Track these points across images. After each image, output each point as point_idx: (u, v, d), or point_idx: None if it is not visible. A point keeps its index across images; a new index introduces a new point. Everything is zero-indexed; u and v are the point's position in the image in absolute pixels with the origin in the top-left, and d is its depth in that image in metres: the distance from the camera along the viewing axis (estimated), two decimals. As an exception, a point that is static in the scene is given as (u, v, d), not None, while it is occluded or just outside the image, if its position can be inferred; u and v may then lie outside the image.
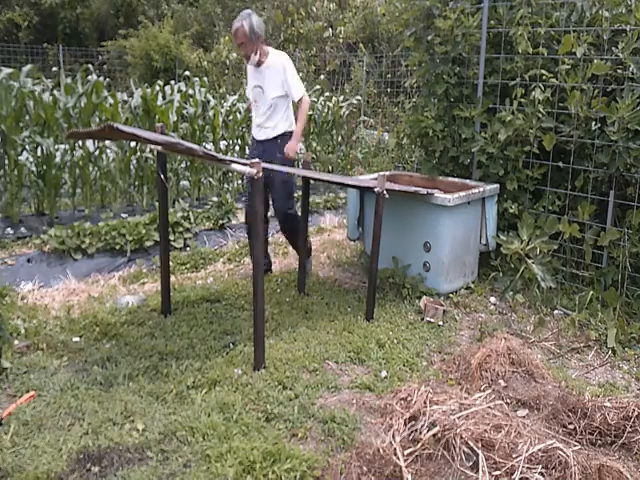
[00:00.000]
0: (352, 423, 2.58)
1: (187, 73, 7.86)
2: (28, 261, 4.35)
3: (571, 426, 2.56)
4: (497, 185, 4.36)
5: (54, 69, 6.94)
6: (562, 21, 4.20)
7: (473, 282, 4.31)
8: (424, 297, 3.87)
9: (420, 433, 2.34)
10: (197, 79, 6.91)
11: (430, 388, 2.66)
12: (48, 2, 17.42)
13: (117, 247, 4.64)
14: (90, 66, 5.99)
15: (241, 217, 5.98)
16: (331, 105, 8.31)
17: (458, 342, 3.52)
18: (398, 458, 2.23)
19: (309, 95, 8.34)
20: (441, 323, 3.68)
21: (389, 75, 10.27)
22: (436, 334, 3.58)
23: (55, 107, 5.38)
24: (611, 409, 2.55)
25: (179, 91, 6.44)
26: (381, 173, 3.93)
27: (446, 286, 4.08)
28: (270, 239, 5.39)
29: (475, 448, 2.25)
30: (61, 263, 4.38)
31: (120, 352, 3.17)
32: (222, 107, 7.02)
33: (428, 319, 3.69)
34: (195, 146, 2.98)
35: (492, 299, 4.14)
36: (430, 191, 4.01)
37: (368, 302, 3.72)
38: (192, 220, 5.14)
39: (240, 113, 7.16)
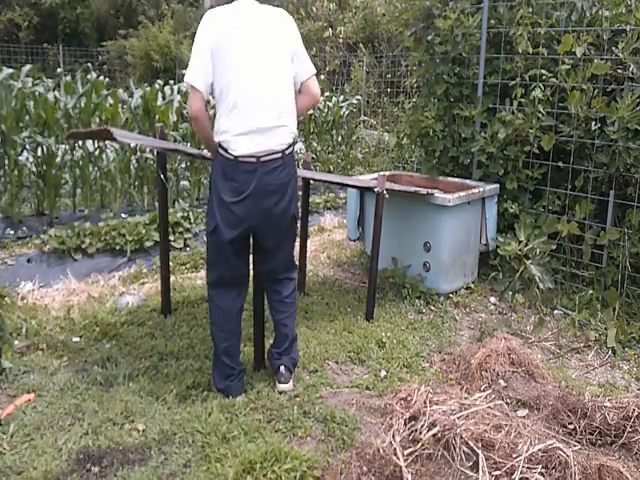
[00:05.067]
0: (352, 423, 2.58)
1: (184, 72, 7.83)
2: (28, 261, 4.35)
3: (571, 426, 2.56)
4: (497, 185, 4.36)
5: (59, 70, 6.93)
6: (562, 21, 4.20)
7: (473, 282, 4.31)
8: None
9: (420, 433, 2.34)
10: None
11: (430, 388, 2.66)
12: (48, 2, 17.41)
13: (117, 247, 4.63)
14: (90, 65, 5.99)
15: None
16: (331, 105, 8.31)
17: (458, 342, 3.52)
18: (398, 458, 2.23)
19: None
20: None
21: (389, 75, 10.27)
22: (436, 334, 3.59)
23: (55, 107, 5.38)
24: (611, 409, 2.55)
25: (179, 91, 6.44)
26: (381, 173, 3.93)
27: (446, 286, 4.08)
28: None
29: (475, 448, 2.25)
30: (61, 263, 4.38)
31: (120, 352, 3.17)
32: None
33: None
34: (194, 150, 2.97)
35: (492, 299, 4.14)
36: (430, 191, 4.01)
37: (368, 302, 3.72)
38: (192, 220, 5.13)
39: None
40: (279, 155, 2.59)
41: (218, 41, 2.51)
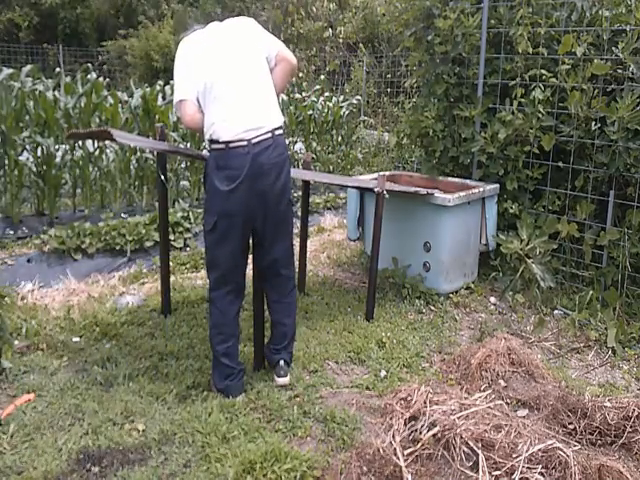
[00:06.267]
0: (352, 423, 2.58)
1: None
2: (28, 261, 4.35)
3: (571, 426, 2.55)
4: (497, 185, 4.36)
5: (57, 70, 6.88)
6: (562, 21, 4.20)
7: (473, 282, 4.31)
8: None
9: (420, 433, 2.34)
10: None
11: (430, 388, 2.65)
12: (48, 2, 17.39)
13: (117, 247, 4.63)
14: (90, 65, 5.99)
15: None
16: (331, 105, 8.30)
17: (458, 342, 3.52)
18: (398, 458, 2.23)
19: (309, 95, 8.38)
20: None
21: (389, 75, 10.26)
22: (436, 334, 3.59)
23: (55, 107, 5.38)
24: (611, 409, 2.55)
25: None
26: (381, 173, 3.93)
27: (446, 286, 4.08)
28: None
29: (475, 448, 2.25)
30: (61, 263, 4.38)
31: (120, 352, 3.17)
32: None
33: None
34: (193, 151, 2.98)
35: (492, 299, 4.14)
36: (430, 191, 4.01)
37: (368, 302, 3.72)
38: (192, 220, 5.13)
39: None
40: (269, 135, 2.65)
41: (195, 54, 2.70)
